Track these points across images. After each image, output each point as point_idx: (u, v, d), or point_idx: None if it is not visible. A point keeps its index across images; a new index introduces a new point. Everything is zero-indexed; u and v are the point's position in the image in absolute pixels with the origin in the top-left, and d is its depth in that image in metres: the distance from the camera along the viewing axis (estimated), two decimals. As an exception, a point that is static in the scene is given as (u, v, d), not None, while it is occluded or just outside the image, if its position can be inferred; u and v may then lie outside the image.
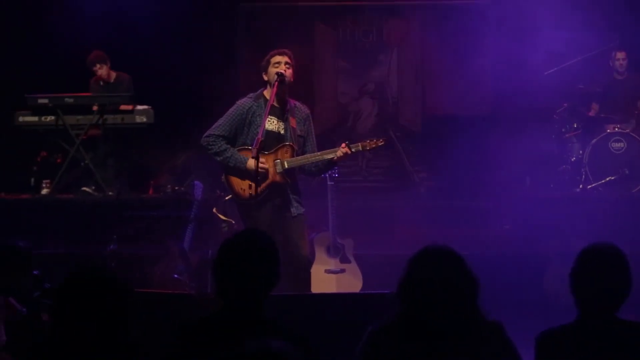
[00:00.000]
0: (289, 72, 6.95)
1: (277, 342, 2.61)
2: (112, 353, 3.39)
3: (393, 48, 11.55)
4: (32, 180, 10.71)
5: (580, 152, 10.29)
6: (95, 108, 10.52)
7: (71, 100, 10.49)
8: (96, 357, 3.36)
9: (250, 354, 2.58)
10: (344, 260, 8.30)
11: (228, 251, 3.67)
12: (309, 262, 7.02)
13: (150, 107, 10.65)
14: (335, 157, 6.88)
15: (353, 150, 6.94)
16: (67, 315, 3.42)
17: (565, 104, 10.58)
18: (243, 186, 6.83)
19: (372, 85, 11.63)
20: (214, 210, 8.56)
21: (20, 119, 10.59)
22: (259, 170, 6.63)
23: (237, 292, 3.61)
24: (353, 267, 8.26)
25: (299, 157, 6.93)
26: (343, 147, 6.86)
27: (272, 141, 6.92)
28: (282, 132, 6.96)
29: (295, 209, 6.90)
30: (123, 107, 10.51)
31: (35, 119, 10.58)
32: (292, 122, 7.00)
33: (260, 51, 11.08)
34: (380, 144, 7.04)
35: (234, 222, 8.02)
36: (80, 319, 3.38)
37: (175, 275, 7.87)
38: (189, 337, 3.63)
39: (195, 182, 8.38)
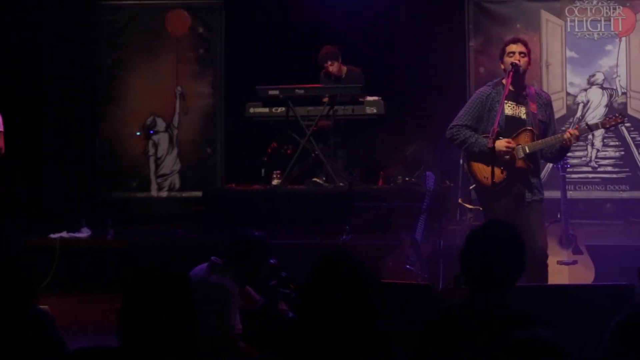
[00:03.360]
0: (523, 61, 7.11)
1: (545, 331, 2.72)
2: (362, 343, 3.41)
3: (622, 38, 11.43)
4: (263, 171, 11.14)
5: None
6: (325, 99, 10.98)
7: (302, 91, 10.95)
8: (347, 347, 3.38)
9: (521, 344, 2.71)
10: (576, 251, 8.34)
11: (475, 241, 3.80)
12: (545, 254, 7.06)
13: (380, 98, 10.99)
14: (567, 139, 6.98)
15: (592, 128, 7.14)
16: (315, 304, 3.48)
17: None
18: (486, 173, 6.99)
19: (601, 75, 11.55)
20: (460, 200, 8.76)
21: (251, 110, 11.15)
22: (505, 149, 6.85)
23: (484, 282, 3.72)
24: (585, 259, 8.30)
25: (539, 141, 7.03)
26: (572, 130, 7.01)
27: (512, 126, 7.10)
28: (522, 116, 7.12)
29: (531, 195, 7.02)
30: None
31: (266, 110, 11.11)
32: (533, 107, 7.13)
33: (488, 41, 11.32)
34: (619, 121, 7.18)
35: (480, 208, 8.19)
36: (330, 308, 3.42)
37: (408, 266, 8.09)
38: (437, 328, 3.73)
39: (427, 172, 8.58)
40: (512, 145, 6.96)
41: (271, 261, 6.40)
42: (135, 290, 3.28)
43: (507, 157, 6.94)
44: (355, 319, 3.41)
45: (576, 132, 6.99)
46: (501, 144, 6.90)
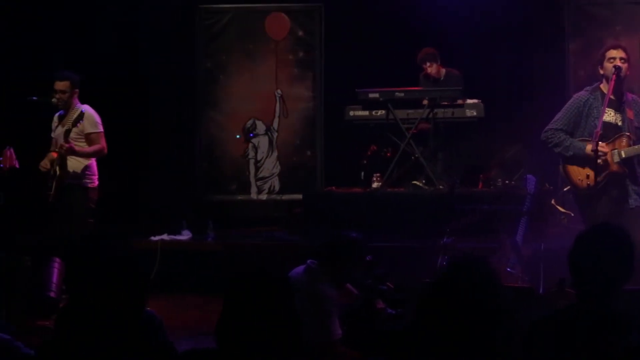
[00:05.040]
0: (624, 67, 7.22)
1: None
2: (479, 348, 3.32)
3: None
4: (362, 174, 11.29)
5: None
6: (425, 102, 11.06)
7: (401, 94, 11.08)
8: (464, 352, 3.32)
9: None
10: None
11: (585, 244, 3.88)
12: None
13: (480, 101, 11.06)
14: None
15: None
16: (439, 306, 3.39)
17: None
18: (581, 176, 7.13)
19: None
20: (552, 201, 8.76)
21: (351, 113, 11.32)
22: (598, 154, 6.92)
23: (593, 285, 3.78)
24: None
25: (636, 147, 7.15)
26: None
27: (609, 132, 7.29)
28: (619, 123, 7.28)
29: (634, 200, 7.11)
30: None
31: (366, 113, 11.26)
32: (630, 113, 7.28)
33: (588, 44, 11.24)
34: None
35: (572, 214, 8.20)
36: (454, 312, 3.33)
37: (509, 269, 8.13)
38: (544, 331, 3.78)
39: (528, 175, 8.60)
40: (606, 149, 7.05)
41: (367, 258, 6.49)
42: (237, 294, 3.33)
43: (601, 161, 7.01)
44: (476, 323, 3.31)
45: None
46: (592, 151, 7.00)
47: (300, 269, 6.25)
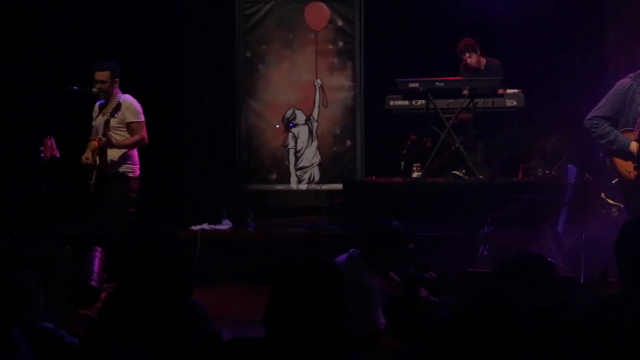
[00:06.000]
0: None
1: None
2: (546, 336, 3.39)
3: None
4: (402, 163, 11.31)
5: None
6: (465, 92, 11.05)
7: (442, 84, 11.10)
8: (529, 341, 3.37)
9: None
10: None
11: (630, 234, 3.85)
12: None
13: (520, 90, 11.04)
14: None
15: None
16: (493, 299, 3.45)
17: None
18: (628, 168, 7.10)
19: None
20: (602, 194, 8.71)
21: (391, 103, 11.34)
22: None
23: (638, 275, 3.76)
24: None
25: None
26: None
27: (652, 121, 7.17)
28: (663, 112, 7.17)
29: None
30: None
31: (406, 103, 11.28)
32: (674, 102, 7.18)
33: (629, 32, 11.15)
34: None
35: (622, 205, 8.16)
36: (510, 306, 3.39)
37: (549, 259, 8.09)
38: (587, 321, 3.75)
39: (569, 165, 8.57)
40: None
41: (410, 246, 6.50)
42: (286, 281, 3.31)
43: None
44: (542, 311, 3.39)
45: None
46: (636, 147, 6.97)
47: (342, 258, 6.27)
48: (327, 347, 3.24)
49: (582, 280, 7.70)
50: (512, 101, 10.98)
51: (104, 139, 8.77)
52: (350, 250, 6.33)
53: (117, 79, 9.07)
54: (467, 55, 11.34)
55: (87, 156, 8.93)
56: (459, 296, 6.78)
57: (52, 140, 8.90)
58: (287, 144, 12.64)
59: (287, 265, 3.37)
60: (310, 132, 12.57)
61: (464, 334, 3.43)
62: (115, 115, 8.86)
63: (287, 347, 3.22)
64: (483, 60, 11.45)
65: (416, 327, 6.31)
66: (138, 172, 9.14)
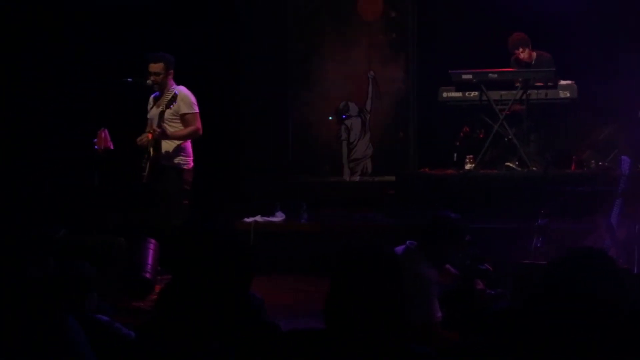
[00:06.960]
0: None
1: None
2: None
3: None
4: (455, 155, 11.34)
5: None
6: (518, 84, 11.01)
7: (495, 75, 11.06)
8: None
9: None
10: None
11: None
12: None
13: (573, 82, 10.98)
14: None
15: None
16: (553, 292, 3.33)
17: None
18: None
19: None
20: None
21: (445, 94, 11.32)
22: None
23: None
24: None
25: None
26: None
27: None
28: None
29: None
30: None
31: (459, 94, 11.25)
32: None
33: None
34: None
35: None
36: (572, 300, 3.27)
37: (604, 251, 8.07)
38: None
39: (622, 156, 8.53)
40: None
41: (466, 238, 6.49)
42: (347, 272, 3.31)
43: None
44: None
45: None
46: None
47: (399, 250, 6.28)
48: (386, 338, 3.23)
49: (635, 272, 7.68)
50: (565, 92, 10.94)
51: (159, 130, 8.83)
52: (407, 242, 6.32)
53: (172, 70, 9.11)
54: (520, 49, 11.29)
55: (143, 139, 8.93)
56: (513, 288, 6.78)
57: (106, 132, 9.00)
58: (340, 136, 12.68)
59: (349, 255, 3.37)
60: (363, 124, 12.61)
61: (522, 326, 3.38)
62: (171, 106, 8.91)
63: (348, 338, 3.22)
64: (534, 54, 11.39)
65: (473, 320, 6.30)
66: (192, 164, 9.18)
